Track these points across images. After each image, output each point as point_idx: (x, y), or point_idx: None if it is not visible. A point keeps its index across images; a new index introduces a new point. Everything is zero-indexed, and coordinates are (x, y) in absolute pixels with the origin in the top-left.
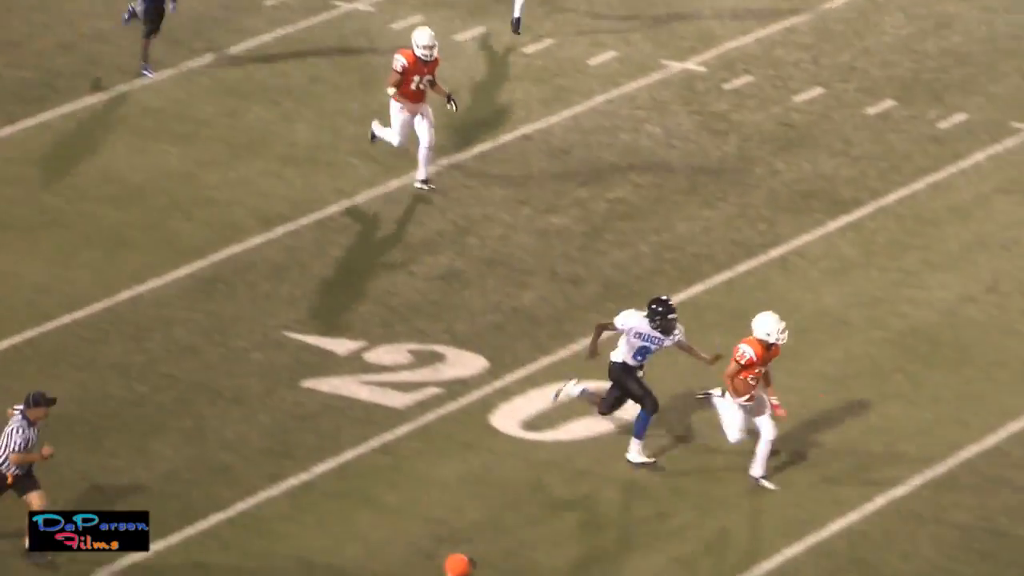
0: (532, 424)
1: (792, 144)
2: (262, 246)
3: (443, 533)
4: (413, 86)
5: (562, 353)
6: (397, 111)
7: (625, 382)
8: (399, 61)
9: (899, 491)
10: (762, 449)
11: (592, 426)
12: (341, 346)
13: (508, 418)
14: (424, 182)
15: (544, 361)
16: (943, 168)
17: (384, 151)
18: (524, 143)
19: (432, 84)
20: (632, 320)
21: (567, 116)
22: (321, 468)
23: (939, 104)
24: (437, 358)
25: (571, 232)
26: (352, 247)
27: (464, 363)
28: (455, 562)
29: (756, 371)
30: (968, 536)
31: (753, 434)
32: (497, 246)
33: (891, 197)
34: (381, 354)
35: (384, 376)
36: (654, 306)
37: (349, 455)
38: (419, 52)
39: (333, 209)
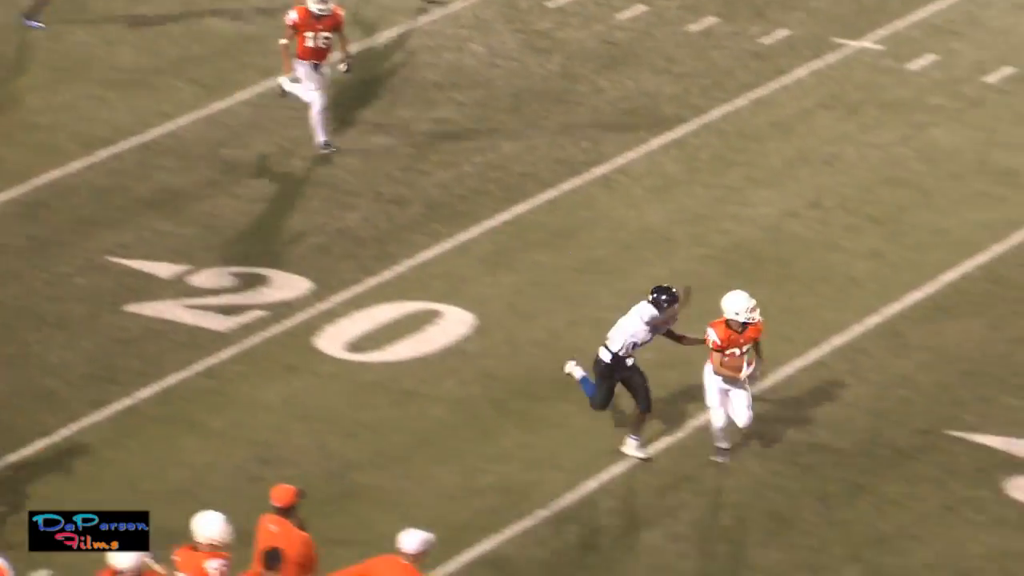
0: (357, 346)
1: (615, 62)
2: (84, 170)
3: (268, 456)
4: (310, 43)
5: (386, 274)
6: (301, 67)
7: (603, 381)
8: (290, 16)
9: None
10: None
11: (417, 347)
12: (164, 270)
13: (333, 340)
14: (325, 145)
15: (369, 282)
16: (765, 84)
17: (206, 72)
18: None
19: (338, 42)
20: (647, 311)
21: (391, 36)
22: (145, 393)
23: (761, 20)
24: (261, 280)
25: (395, 152)
26: (175, 170)
27: (288, 285)
28: (281, 492)
29: (732, 351)
30: (791, 450)
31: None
32: (321, 167)
33: (714, 114)
34: (204, 277)
35: (207, 299)
36: (659, 295)
37: (173, 379)
38: (312, 7)
39: (156, 132)
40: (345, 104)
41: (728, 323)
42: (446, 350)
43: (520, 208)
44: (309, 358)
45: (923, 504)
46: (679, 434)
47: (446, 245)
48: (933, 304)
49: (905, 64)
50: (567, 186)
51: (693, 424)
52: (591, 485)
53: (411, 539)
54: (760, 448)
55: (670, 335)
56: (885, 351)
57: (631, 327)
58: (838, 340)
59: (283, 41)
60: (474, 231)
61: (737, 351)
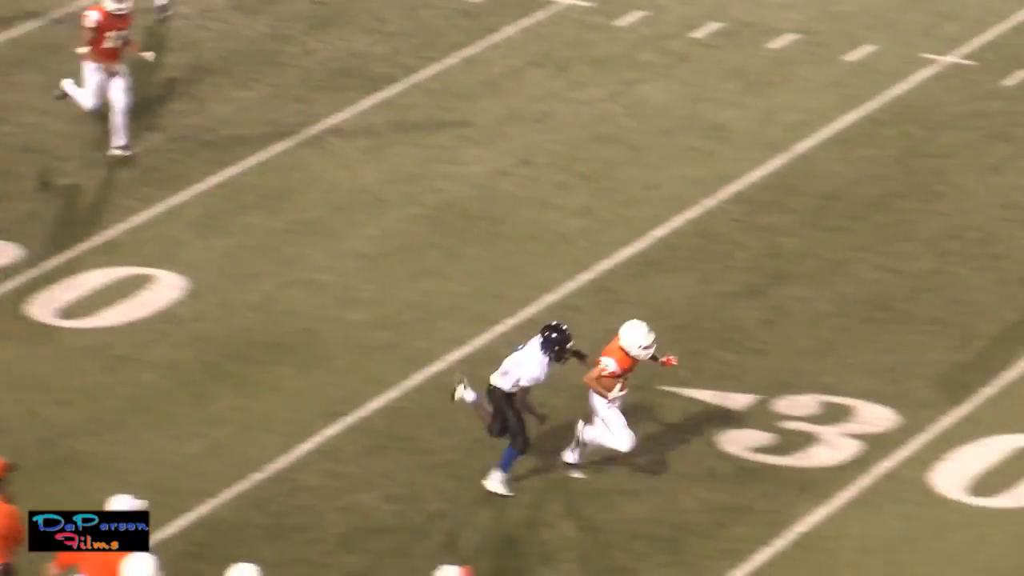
0: (68, 312)
1: (325, 22)
2: None
3: None
4: (109, 43)
5: (97, 240)
6: (92, 71)
7: (505, 412)
8: (91, 17)
9: (436, 366)
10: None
11: (129, 311)
12: None
13: (44, 307)
14: (123, 148)
15: (80, 248)
16: (475, 43)
17: None
18: (56, 27)
19: (127, 42)
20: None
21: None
22: None
23: None
24: None
25: (106, 117)
26: None
27: None
28: None
29: (622, 378)
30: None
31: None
32: (31, 133)
33: (424, 73)
34: None
35: None
36: (554, 334)
37: None
38: (111, 6)
39: None
40: (55, 70)
41: (625, 352)
42: (158, 314)
43: (231, 171)
44: (20, 325)
45: (637, 459)
46: (391, 393)
47: (157, 209)
48: (644, 260)
49: (614, 21)
50: (278, 148)
51: (407, 385)
52: (306, 447)
53: (119, 505)
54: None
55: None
56: (597, 308)
57: (526, 370)
58: (550, 297)
59: (84, 49)
60: (185, 194)
61: (626, 377)
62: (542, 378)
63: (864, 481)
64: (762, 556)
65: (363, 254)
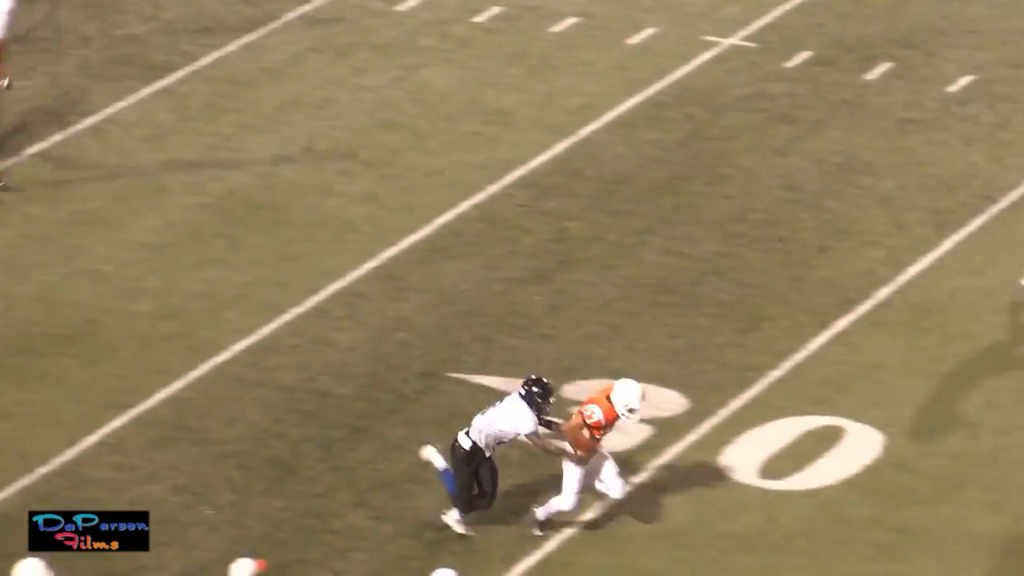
0: None
1: (102, 10)
2: None
3: None
4: None
5: None
6: None
7: (461, 469)
8: None
9: (223, 356)
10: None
11: None
12: None
13: None
14: None
15: None
16: (255, 29)
17: None
18: None
19: None
20: (524, 414)
21: None
22: None
23: None
24: None
25: None
26: None
27: None
28: None
29: (601, 433)
30: (292, 397)
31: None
32: None
33: (204, 60)
34: None
35: None
36: (535, 388)
37: None
38: None
39: None
40: None
41: (613, 408)
42: None
43: (9, 161)
44: None
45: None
46: (177, 384)
47: None
48: (429, 246)
49: (394, 6)
50: (57, 137)
51: (193, 375)
52: (91, 440)
53: None
54: (261, 396)
55: (547, 425)
56: (383, 295)
57: (503, 426)
58: (336, 285)
59: None
60: None
61: (606, 431)
62: (536, 431)
63: (655, 465)
64: (552, 543)
65: (146, 244)
